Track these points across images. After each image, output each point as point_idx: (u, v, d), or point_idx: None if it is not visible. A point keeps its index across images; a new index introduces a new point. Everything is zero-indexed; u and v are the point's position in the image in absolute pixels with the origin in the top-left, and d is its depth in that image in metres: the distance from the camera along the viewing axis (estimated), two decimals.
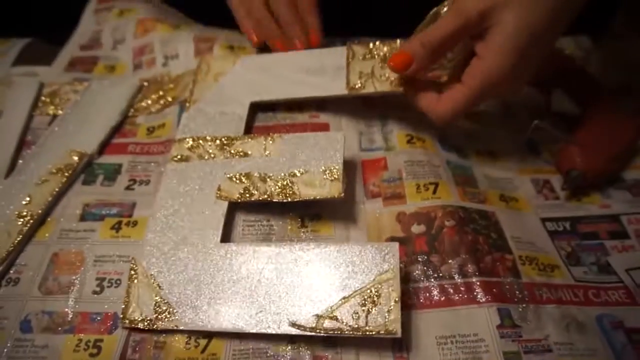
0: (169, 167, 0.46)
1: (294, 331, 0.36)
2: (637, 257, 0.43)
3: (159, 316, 0.38)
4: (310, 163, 0.43)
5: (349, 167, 0.42)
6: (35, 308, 0.39)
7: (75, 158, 0.49)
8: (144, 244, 0.42)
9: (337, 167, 0.42)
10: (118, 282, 0.41)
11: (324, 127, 0.51)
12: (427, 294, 0.39)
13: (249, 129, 0.50)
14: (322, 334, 0.35)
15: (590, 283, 0.41)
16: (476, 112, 0.55)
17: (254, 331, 0.36)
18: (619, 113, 0.49)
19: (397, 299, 0.35)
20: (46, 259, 0.42)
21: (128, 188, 0.48)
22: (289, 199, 0.41)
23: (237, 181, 0.43)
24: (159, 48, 0.62)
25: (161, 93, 0.57)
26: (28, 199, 0.45)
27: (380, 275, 0.37)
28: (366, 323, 0.35)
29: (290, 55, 0.53)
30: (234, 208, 0.44)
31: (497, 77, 0.41)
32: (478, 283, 0.39)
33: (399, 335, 0.34)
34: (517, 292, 0.39)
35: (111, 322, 0.38)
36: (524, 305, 0.38)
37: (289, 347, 0.37)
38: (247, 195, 0.42)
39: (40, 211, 0.44)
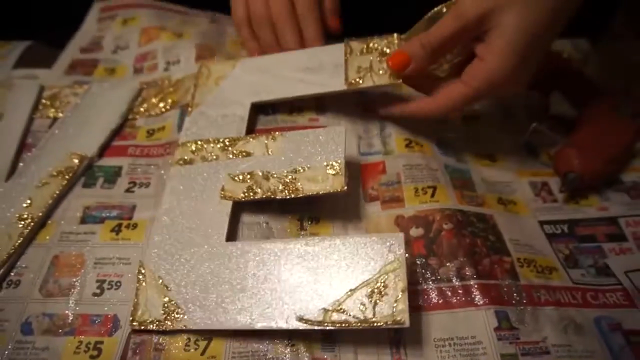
0: (173, 171, 0.47)
1: (302, 326, 0.36)
2: (634, 260, 0.43)
3: (168, 317, 0.38)
4: (312, 159, 0.43)
5: (348, 171, 0.42)
6: (36, 310, 0.39)
7: (76, 161, 0.49)
8: (151, 247, 0.42)
9: (339, 161, 0.42)
10: (118, 284, 0.41)
11: None
12: (425, 297, 0.39)
13: (250, 131, 0.51)
14: (330, 328, 0.35)
15: (588, 285, 0.41)
16: (475, 114, 0.55)
17: (261, 327, 0.36)
18: (617, 115, 0.49)
19: (404, 289, 0.35)
20: (47, 261, 0.42)
21: (128, 190, 0.48)
22: (293, 195, 0.41)
23: (241, 180, 0.44)
24: (161, 55, 0.63)
25: (161, 96, 0.57)
26: (29, 201, 0.46)
27: (386, 266, 0.36)
28: (373, 314, 0.35)
29: (289, 55, 0.53)
30: (238, 208, 0.44)
31: (499, 79, 0.41)
32: (476, 286, 0.39)
33: (407, 324, 0.34)
34: (515, 295, 0.39)
35: (111, 324, 0.39)
36: (521, 307, 0.38)
37: (288, 349, 0.37)
38: (251, 193, 0.42)
39: (40, 214, 0.45)
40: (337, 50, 0.51)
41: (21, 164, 0.50)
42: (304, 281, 0.37)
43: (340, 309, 0.36)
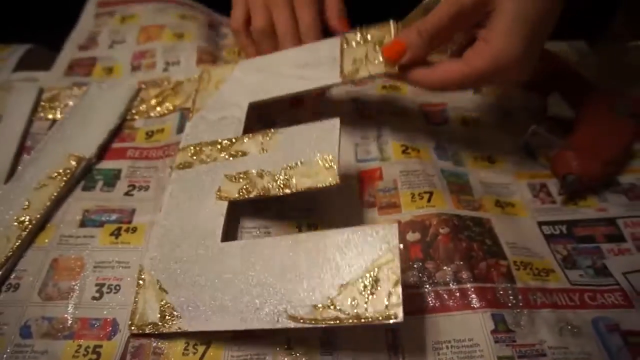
0: (174, 176, 0.47)
1: (292, 325, 0.34)
2: (633, 261, 0.43)
3: (164, 320, 0.38)
4: (306, 154, 0.42)
5: (346, 179, 0.41)
6: (35, 314, 0.39)
7: (74, 162, 0.49)
8: (150, 251, 0.42)
9: (332, 154, 0.41)
10: (117, 287, 0.41)
11: None
12: (423, 300, 0.39)
13: (249, 132, 0.50)
14: (321, 325, 0.34)
15: (586, 286, 0.41)
16: (474, 116, 0.55)
17: (253, 328, 0.35)
18: (615, 116, 0.49)
19: (397, 282, 0.33)
20: (46, 264, 0.42)
21: (127, 194, 0.48)
22: (286, 191, 0.41)
23: (236, 180, 0.43)
24: (160, 54, 0.63)
25: (161, 98, 0.57)
26: (27, 204, 0.46)
27: (379, 259, 0.34)
28: (366, 310, 0.33)
29: (287, 52, 0.53)
30: (235, 209, 0.44)
31: (503, 62, 0.40)
32: (472, 289, 0.39)
33: (400, 319, 0.32)
34: (511, 297, 0.39)
35: (110, 328, 0.39)
36: (517, 310, 0.38)
37: (287, 353, 0.37)
38: (245, 192, 0.42)
39: (38, 216, 0.45)
40: (333, 43, 0.50)
41: (20, 167, 0.50)
42: (296, 278, 0.36)
43: (332, 305, 0.34)
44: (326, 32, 0.54)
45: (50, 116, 0.56)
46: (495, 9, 0.40)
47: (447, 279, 0.40)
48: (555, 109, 0.54)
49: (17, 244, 0.43)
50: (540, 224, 0.46)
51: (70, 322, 0.39)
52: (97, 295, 0.41)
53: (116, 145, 0.53)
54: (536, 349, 0.36)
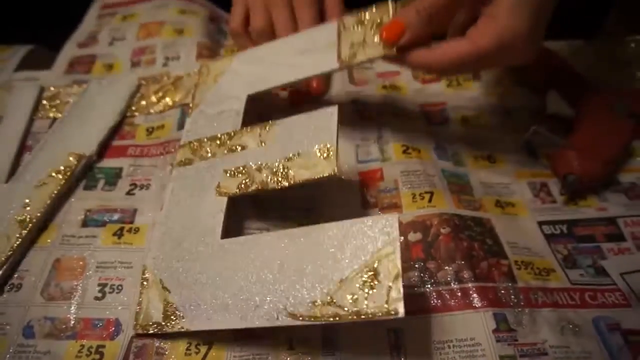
0: (175, 173, 0.46)
1: (291, 322, 0.34)
2: (632, 260, 0.43)
3: (167, 320, 0.38)
4: (304, 144, 0.41)
5: (347, 180, 0.41)
6: (38, 314, 0.39)
7: (74, 160, 0.49)
8: (152, 251, 0.42)
9: (330, 144, 0.39)
10: (120, 288, 0.41)
11: None
12: (424, 300, 0.39)
13: (248, 124, 0.48)
14: (321, 322, 0.33)
15: (586, 285, 0.41)
16: (474, 116, 0.55)
17: (256, 325, 0.35)
18: (614, 116, 0.49)
19: (397, 275, 0.32)
20: (48, 264, 0.42)
21: (129, 193, 0.48)
22: (285, 184, 0.40)
23: (235, 175, 0.43)
24: (160, 50, 0.63)
25: (161, 94, 0.57)
26: (27, 202, 0.45)
27: (379, 252, 0.33)
28: (366, 305, 0.32)
29: (284, 40, 0.52)
30: (234, 205, 0.43)
31: (510, 38, 0.38)
32: (474, 288, 0.39)
33: (401, 314, 0.30)
34: (513, 297, 0.39)
35: (113, 328, 0.39)
36: (519, 309, 0.38)
37: (289, 353, 0.37)
38: (244, 187, 0.42)
39: (39, 214, 0.44)
40: (330, 28, 0.48)
41: (21, 166, 0.50)
42: (295, 274, 0.35)
43: (331, 301, 0.33)
44: None
45: (51, 115, 0.56)
46: None
47: (449, 279, 0.40)
48: (554, 107, 0.54)
49: (17, 243, 0.43)
50: (540, 223, 0.46)
51: (72, 322, 0.39)
52: (99, 295, 0.41)
53: (117, 142, 0.53)
54: (538, 348, 0.37)
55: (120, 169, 0.50)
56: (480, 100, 0.57)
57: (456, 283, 0.40)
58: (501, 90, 0.58)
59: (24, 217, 0.44)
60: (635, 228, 0.45)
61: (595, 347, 0.37)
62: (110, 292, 0.41)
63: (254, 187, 0.41)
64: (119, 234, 0.45)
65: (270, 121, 0.44)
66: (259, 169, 0.42)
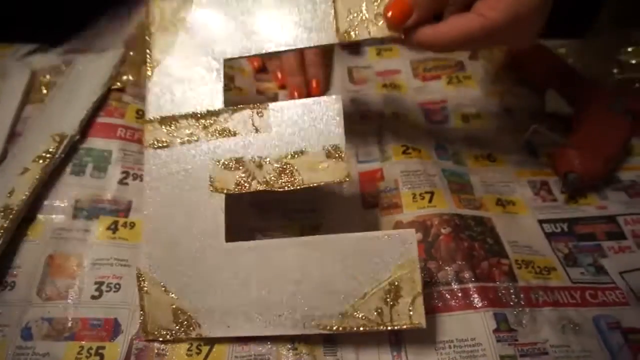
0: (147, 156, 0.40)
1: (317, 331, 0.35)
2: (632, 259, 0.43)
3: (180, 326, 0.37)
4: (307, 140, 0.38)
5: (348, 181, 0.39)
6: (35, 315, 0.38)
7: (55, 141, 0.45)
8: (145, 252, 0.39)
9: (338, 143, 0.37)
10: (117, 286, 0.40)
11: None
12: (425, 300, 0.39)
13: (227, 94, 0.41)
14: (347, 332, 0.35)
15: (587, 284, 0.41)
16: (475, 114, 0.55)
17: (281, 333, 0.36)
18: (612, 114, 0.49)
19: (419, 290, 0.34)
20: (42, 261, 0.41)
21: (121, 182, 0.45)
22: (292, 187, 0.37)
23: (229, 168, 0.39)
24: None
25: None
26: (11, 190, 0.42)
27: (400, 266, 0.35)
28: (391, 318, 0.34)
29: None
30: (232, 206, 0.40)
31: (523, 12, 0.35)
32: (474, 288, 0.39)
33: (424, 326, 0.34)
34: (513, 297, 0.39)
35: (112, 329, 0.38)
36: (519, 309, 0.39)
37: (291, 353, 0.37)
38: (243, 185, 0.38)
39: (21, 202, 0.41)
40: None
41: (9, 153, 0.47)
42: (319, 285, 0.36)
43: (356, 313, 0.35)
44: None
45: (44, 99, 0.52)
46: None
47: (449, 279, 0.40)
48: (553, 105, 0.54)
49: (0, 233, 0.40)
50: (541, 222, 0.46)
51: (70, 322, 0.38)
52: (96, 294, 0.40)
53: (103, 119, 0.48)
54: (538, 347, 0.37)
55: (110, 152, 0.46)
56: (481, 99, 0.57)
57: (457, 283, 0.40)
58: (501, 89, 0.57)
59: (6, 206, 0.41)
60: (635, 226, 0.45)
61: (595, 346, 0.37)
62: (107, 291, 0.40)
63: (255, 187, 0.38)
64: (113, 228, 0.43)
65: (261, 104, 0.40)
66: (259, 165, 0.38)
